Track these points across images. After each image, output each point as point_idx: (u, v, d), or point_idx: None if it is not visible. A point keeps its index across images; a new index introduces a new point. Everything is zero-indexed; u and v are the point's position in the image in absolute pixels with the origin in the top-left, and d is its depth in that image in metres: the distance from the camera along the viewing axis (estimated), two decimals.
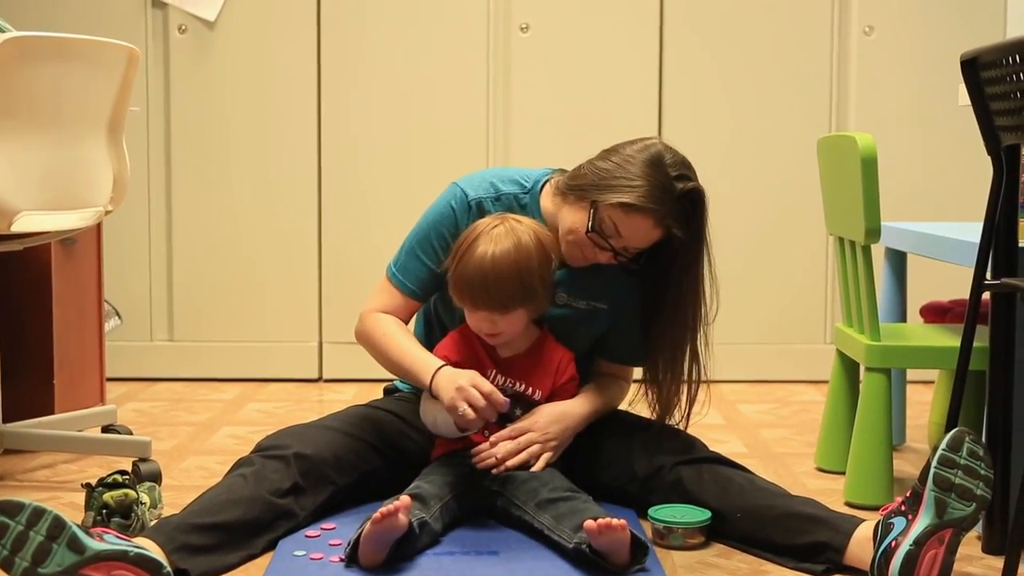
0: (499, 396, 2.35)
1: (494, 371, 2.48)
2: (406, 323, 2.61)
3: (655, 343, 2.56)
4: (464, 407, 2.33)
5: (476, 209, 2.55)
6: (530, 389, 2.50)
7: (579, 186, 2.48)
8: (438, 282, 2.56)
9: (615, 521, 2.13)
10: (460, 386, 2.35)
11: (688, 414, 2.59)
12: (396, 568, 2.17)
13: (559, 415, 2.50)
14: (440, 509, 2.32)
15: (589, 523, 2.14)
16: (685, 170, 2.46)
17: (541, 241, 2.43)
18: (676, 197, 2.43)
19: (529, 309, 2.45)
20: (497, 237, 2.40)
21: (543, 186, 2.59)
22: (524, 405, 2.49)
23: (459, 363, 2.47)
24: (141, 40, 4.07)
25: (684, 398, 2.57)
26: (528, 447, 2.45)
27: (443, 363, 2.44)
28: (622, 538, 2.15)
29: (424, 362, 2.47)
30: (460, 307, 2.48)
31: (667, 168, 2.43)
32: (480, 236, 2.41)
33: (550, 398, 2.52)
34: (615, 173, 2.43)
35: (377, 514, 2.12)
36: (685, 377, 2.55)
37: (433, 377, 2.41)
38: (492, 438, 2.45)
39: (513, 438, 2.45)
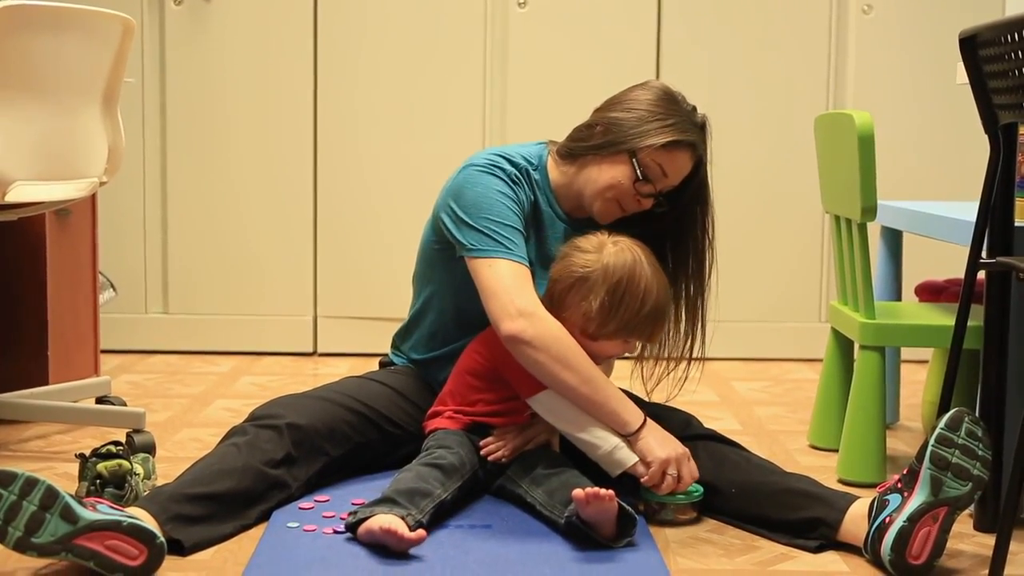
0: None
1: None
2: None
3: None
4: (667, 480, 2.31)
5: (519, 182, 2.50)
6: None
7: (604, 143, 2.47)
8: None
9: (603, 491, 2.13)
10: (669, 459, 2.31)
11: (682, 385, 2.58)
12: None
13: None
14: (434, 506, 2.26)
15: (577, 492, 2.14)
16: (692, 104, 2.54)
17: (644, 248, 2.42)
18: (700, 126, 2.50)
19: None
20: (637, 268, 2.36)
21: (548, 158, 2.58)
22: None
23: None
24: (137, 11, 4.05)
25: (681, 371, 2.58)
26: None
27: (644, 417, 2.36)
28: (610, 508, 2.15)
29: (630, 403, 2.38)
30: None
31: (681, 101, 2.51)
32: (623, 278, 2.35)
33: None
34: (643, 117, 2.46)
35: (396, 536, 2.08)
36: (681, 351, 2.56)
37: (640, 430, 2.35)
38: (499, 432, 2.45)
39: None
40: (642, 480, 2.33)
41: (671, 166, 2.46)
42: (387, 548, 2.12)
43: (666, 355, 2.56)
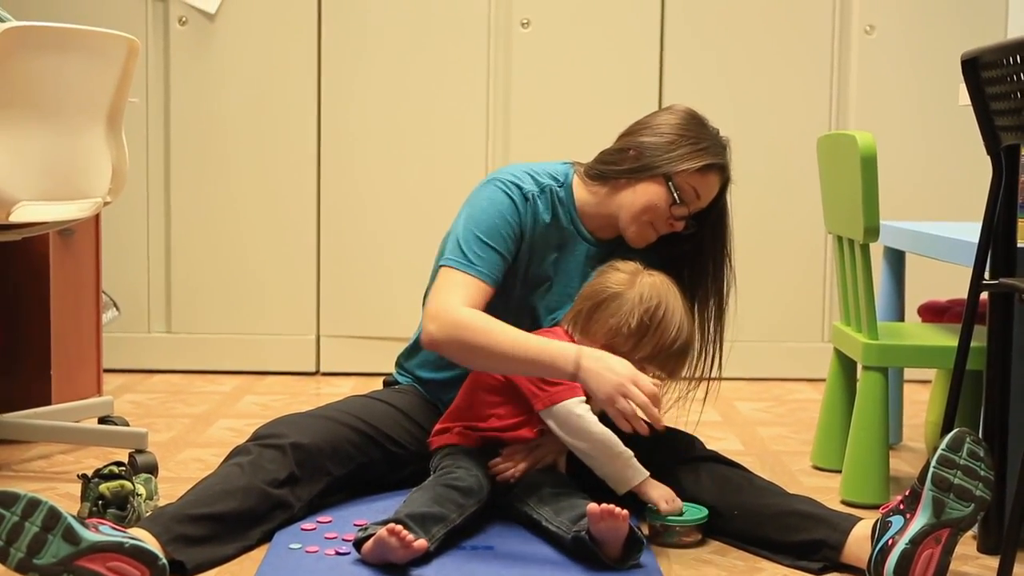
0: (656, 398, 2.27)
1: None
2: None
3: None
4: (622, 403, 2.26)
5: (533, 201, 2.52)
6: None
7: (639, 167, 2.50)
8: (506, 273, 2.48)
9: (618, 509, 2.13)
10: (611, 396, 2.27)
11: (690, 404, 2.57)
12: (392, 566, 2.15)
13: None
14: (445, 533, 2.25)
15: (592, 506, 2.14)
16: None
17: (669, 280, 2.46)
18: (725, 147, 2.55)
19: None
20: (671, 300, 2.40)
21: (574, 177, 2.60)
22: None
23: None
24: (141, 31, 4.06)
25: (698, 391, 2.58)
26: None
27: (578, 345, 2.33)
28: (621, 527, 2.15)
29: (558, 347, 2.32)
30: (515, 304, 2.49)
31: (708, 124, 2.55)
32: (668, 304, 2.39)
33: None
34: (675, 142, 2.50)
35: (397, 542, 2.09)
36: (699, 371, 2.58)
37: (578, 363, 2.30)
38: (508, 451, 2.44)
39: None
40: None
41: (704, 189, 2.51)
42: (390, 567, 2.11)
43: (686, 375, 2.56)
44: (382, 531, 2.11)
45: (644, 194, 2.49)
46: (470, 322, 2.33)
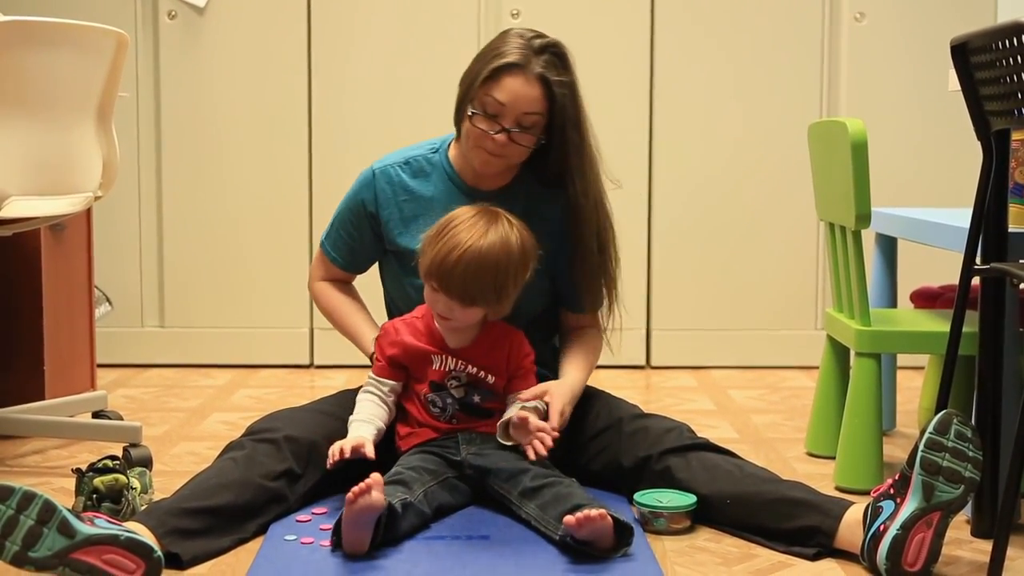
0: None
1: (447, 356, 2.47)
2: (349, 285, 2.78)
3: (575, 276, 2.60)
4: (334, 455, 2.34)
5: (381, 176, 2.63)
6: (483, 373, 2.47)
7: (457, 104, 2.53)
8: (367, 255, 2.70)
9: (593, 512, 2.13)
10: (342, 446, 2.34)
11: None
12: (385, 553, 2.17)
13: (571, 396, 2.50)
14: (424, 493, 2.31)
15: (568, 519, 2.13)
16: (538, 31, 2.53)
17: (525, 246, 2.42)
18: (536, 50, 2.49)
19: (490, 311, 2.45)
20: (484, 229, 2.38)
21: (451, 142, 2.65)
22: (481, 391, 2.47)
23: (410, 345, 2.47)
24: (130, 26, 4.05)
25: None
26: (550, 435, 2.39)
27: (372, 378, 2.51)
28: (604, 526, 2.15)
29: (360, 338, 2.67)
30: (409, 281, 2.56)
31: (513, 32, 2.53)
32: (464, 223, 2.39)
33: (508, 381, 2.49)
34: (472, 65, 2.52)
35: (350, 494, 2.11)
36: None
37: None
38: (548, 429, 2.38)
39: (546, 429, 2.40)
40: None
41: (503, 93, 2.46)
42: (382, 555, 2.12)
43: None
44: (345, 511, 2.13)
45: (466, 125, 2.51)
46: (316, 296, 2.78)
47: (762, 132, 4.15)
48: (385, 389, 2.49)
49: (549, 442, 2.34)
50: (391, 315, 2.70)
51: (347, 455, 2.30)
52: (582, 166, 2.55)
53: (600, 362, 2.67)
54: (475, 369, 2.46)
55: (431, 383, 2.47)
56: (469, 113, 2.48)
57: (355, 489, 2.11)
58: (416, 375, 2.49)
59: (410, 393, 2.50)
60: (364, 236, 2.66)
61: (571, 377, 2.54)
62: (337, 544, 2.19)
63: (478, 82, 2.47)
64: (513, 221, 2.43)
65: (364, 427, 2.41)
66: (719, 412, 3.52)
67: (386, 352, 2.50)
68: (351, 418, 2.44)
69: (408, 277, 2.60)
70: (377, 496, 2.12)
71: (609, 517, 2.15)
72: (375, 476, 2.14)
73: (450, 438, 2.45)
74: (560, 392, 2.46)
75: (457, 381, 2.45)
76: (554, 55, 2.51)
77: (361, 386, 2.62)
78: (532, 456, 2.34)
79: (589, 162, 2.56)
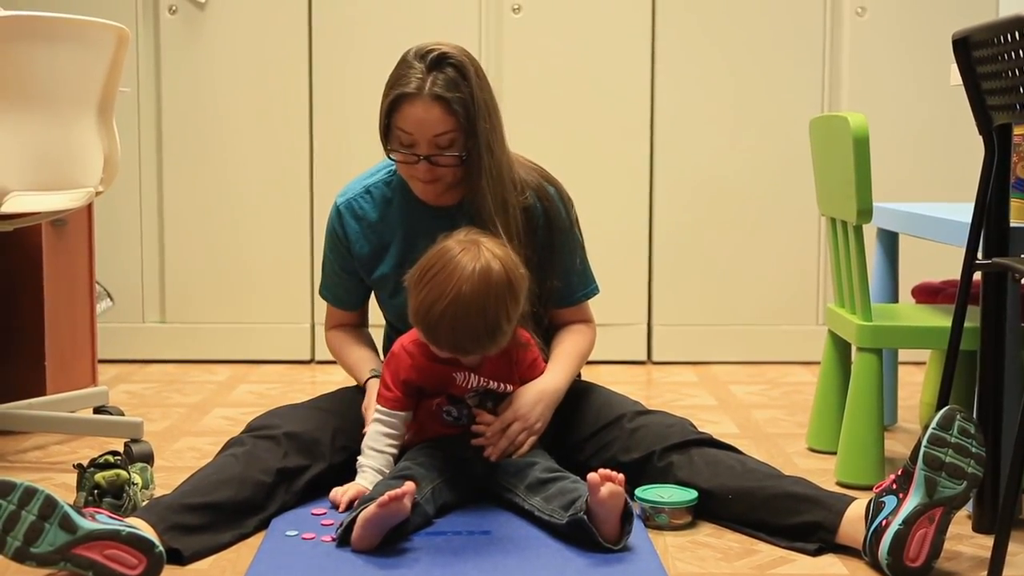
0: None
1: (469, 373, 2.42)
2: (361, 320, 2.75)
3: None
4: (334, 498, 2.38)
5: (346, 212, 2.59)
6: (500, 385, 2.45)
7: (381, 140, 2.50)
8: (363, 291, 2.68)
9: (616, 475, 2.14)
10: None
11: None
12: (389, 550, 2.17)
13: (537, 395, 2.47)
14: (431, 491, 2.32)
15: (592, 476, 2.13)
16: (433, 46, 2.45)
17: (511, 277, 2.30)
18: (431, 67, 2.42)
19: (492, 351, 2.37)
20: (466, 270, 2.26)
21: None
22: (494, 397, 2.46)
23: (432, 368, 2.40)
24: (131, 20, 4.05)
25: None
26: (516, 436, 2.42)
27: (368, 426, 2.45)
28: (618, 498, 2.15)
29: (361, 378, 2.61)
30: (400, 300, 2.49)
31: (410, 54, 2.47)
32: (443, 268, 2.27)
33: (521, 382, 2.49)
34: (382, 98, 2.48)
35: (385, 497, 2.10)
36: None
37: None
38: (488, 432, 2.42)
39: (503, 430, 2.42)
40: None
41: (408, 123, 2.42)
42: (385, 552, 2.12)
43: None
44: (375, 507, 2.11)
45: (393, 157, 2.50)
46: (328, 345, 2.75)
47: (763, 127, 4.14)
48: (397, 422, 2.42)
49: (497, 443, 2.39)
50: (390, 337, 2.66)
51: (342, 509, 2.33)
52: (494, 167, 2.47)
53: (601, 357, 2.68)
54: (495, 383, 2.45)
55: (449, 396, 2.44)
56: (388, 150, 2.48)
57: (391, 494, 2.10)
58: (431, 391, 2.44)
59: (421, 402, 2.48)
60: (347, 268, 2.63)
61: (543, 381, 2.50)
62: (343, 540, 2.19)
63: (384, 118, 2.46)
64: (496, 250, 2.32)
65: (371, 476, 2.38)
66: (720, 407, 3.52)
67: (401, 376, 2.41)
68: (360, 460, 2.40)
69: (395, 298, 2.58)
70: (408, 504, 2.14)
71: (624, 492, 2.16)
72: (409, 485, 2.15)
73: (459, 435, 2.45)
74: (525, 399, 2.45)
75: (475, 393, 2.44)
76: (451, 66, 2.43)
77: (360, 386, 2.62)
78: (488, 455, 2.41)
79: (501, 164, 2.48)
